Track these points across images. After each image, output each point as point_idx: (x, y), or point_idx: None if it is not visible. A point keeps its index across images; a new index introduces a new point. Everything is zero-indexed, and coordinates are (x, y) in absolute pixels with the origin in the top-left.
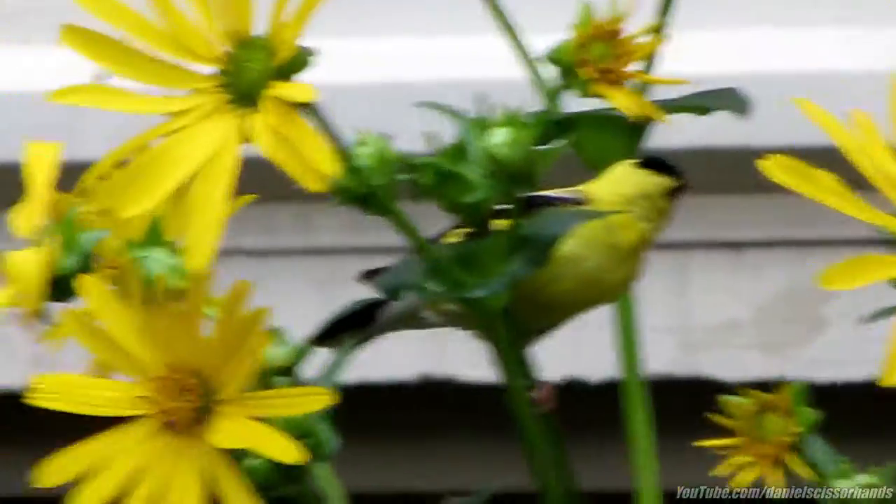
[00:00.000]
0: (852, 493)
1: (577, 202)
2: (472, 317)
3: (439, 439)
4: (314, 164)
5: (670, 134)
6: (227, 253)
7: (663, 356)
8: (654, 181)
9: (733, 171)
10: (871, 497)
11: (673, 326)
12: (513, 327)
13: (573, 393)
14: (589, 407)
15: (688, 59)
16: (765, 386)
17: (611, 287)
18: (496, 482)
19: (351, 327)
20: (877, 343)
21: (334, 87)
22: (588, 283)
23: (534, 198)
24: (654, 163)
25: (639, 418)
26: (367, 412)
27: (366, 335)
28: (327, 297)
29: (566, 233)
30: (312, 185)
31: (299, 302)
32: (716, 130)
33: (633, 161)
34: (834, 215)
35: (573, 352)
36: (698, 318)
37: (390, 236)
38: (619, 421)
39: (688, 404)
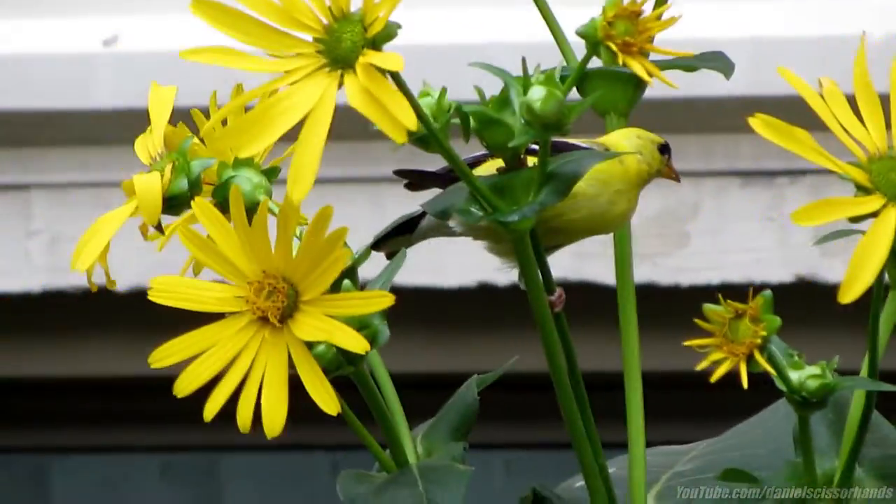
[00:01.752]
0: (800, 380)
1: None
2: (494, 231)
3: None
4: (398, 119)
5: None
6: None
7: (561, 264)
8: (650, 136)
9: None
10: (818, 384)
11: None
12: (535, 245)
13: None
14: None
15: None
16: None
17: (615, 217)
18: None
19: (399, 235)
20: (729, 254)
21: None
22: (598, 213)
23: (562, 143)
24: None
25: (630, 314)
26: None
27: (409, 241)
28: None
29: (586, 170)
30: (397, 136)
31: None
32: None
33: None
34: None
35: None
36: None
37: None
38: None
39: (578, 302)
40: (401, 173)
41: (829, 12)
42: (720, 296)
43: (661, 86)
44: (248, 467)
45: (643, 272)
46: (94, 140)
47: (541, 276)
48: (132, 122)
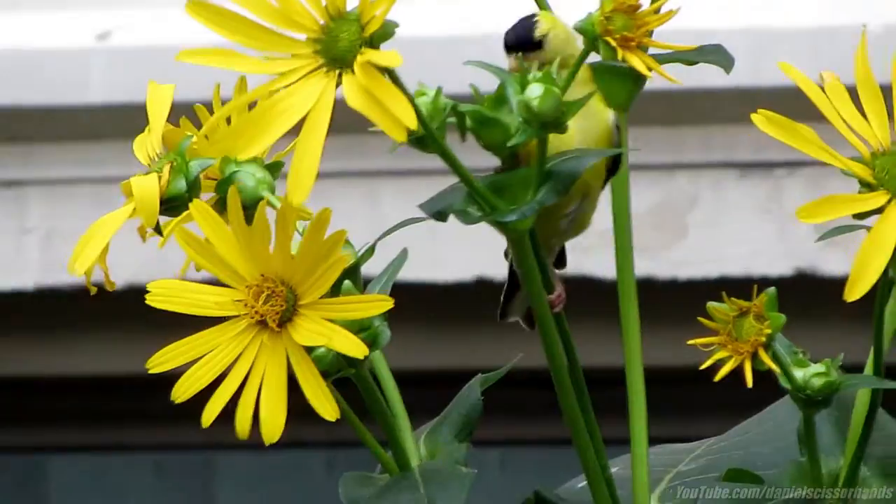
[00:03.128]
0: (805, 378)
1: None
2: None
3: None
4: (398, 118)
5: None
6: None
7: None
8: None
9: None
10: (822, 382)
11: None
12: (534, 243)
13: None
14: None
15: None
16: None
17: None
18: (519, 355)
19: (512, 293)
20: (728, 247)
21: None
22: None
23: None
24: None
25: (630, 308)
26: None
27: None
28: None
29: (584, 168)
30: (396, 135)
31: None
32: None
33: None
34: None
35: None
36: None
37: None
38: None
39: (578, 296)
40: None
41: (827, 2)
42: (724, 293)
43: (660, 78)
44: (242, 465)
45: (641, 265)
46: (89, 135)
47: (540, 275)
48: (127, 117)
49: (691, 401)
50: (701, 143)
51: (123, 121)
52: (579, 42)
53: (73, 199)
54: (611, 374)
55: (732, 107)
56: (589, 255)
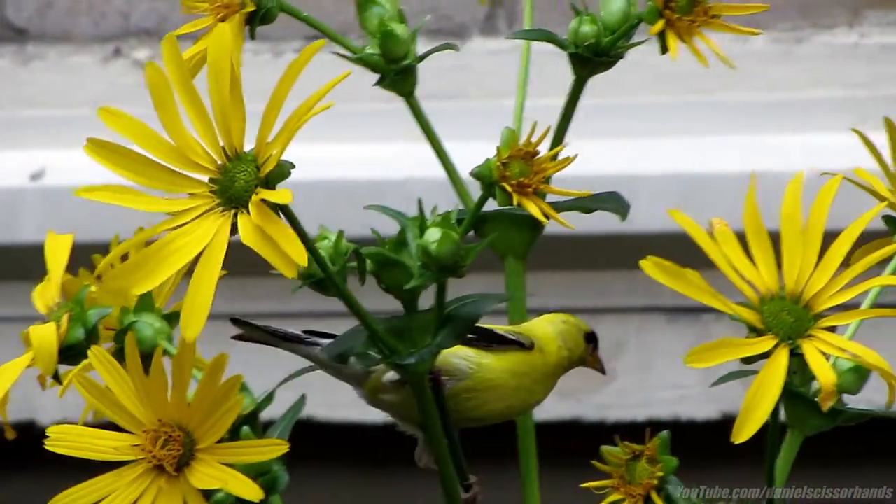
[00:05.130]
0: None
1: (522, 343)
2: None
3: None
4: (289, 256)
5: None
6: None
7: None
8: (577, 323)
9: (545, 254)
10: None
11: None
12: (450, 435)
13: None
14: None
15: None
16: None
17: (532, 405)
18: None
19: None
20: (655, 391)
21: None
22: (517, 404)
23: (485, 331)
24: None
25: (530, 455)
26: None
27: (277, 344)
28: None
29: (482, 313)
30: (287, 272)
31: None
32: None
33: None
34: (621, 289)
35: None
36: None
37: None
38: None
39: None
40: (236, 322)
41: (751, 148)
42: (617, 437)
43: (588, 221)
44: None
45: (568, 408)
46: (20, 275)
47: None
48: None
49: None
50: (627, 287)
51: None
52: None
53: (4, 337)
54: None
55: (658, 251)
56: None
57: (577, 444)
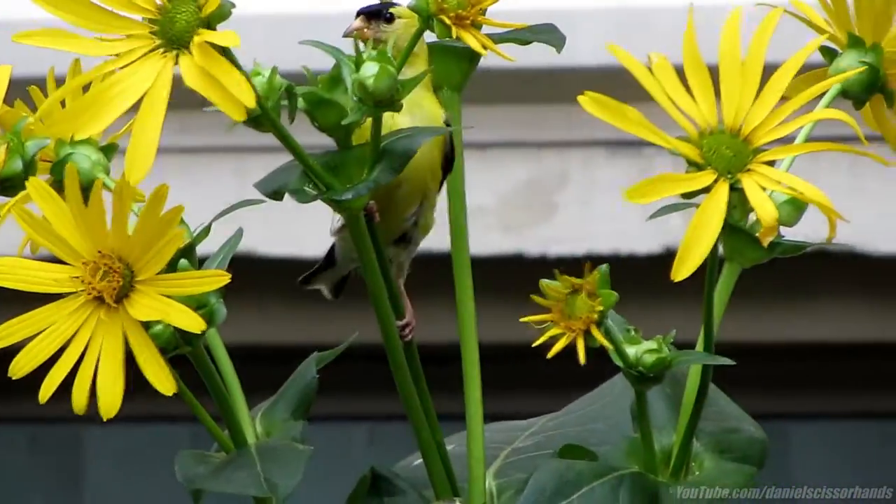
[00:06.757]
0: (637, 355)
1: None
2: None
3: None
4: (237, 97)
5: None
6: None
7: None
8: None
9: (487, 87)
10: (654, 359)
11: None
12: (382, 262)
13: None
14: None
15: None
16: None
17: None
18: (353, 336)
19: (323, 270)
20: (597, 224)
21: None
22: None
23: None
24: None
25: (465, 285)
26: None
27: (335, 273)
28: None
29: (417, 146)
30: (234, 114)
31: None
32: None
33: None
34: (561, 122)
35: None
36: None
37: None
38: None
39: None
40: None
41: None
42: (556, 271)
43: (529, 55)
44: (110, 439)
45: (510, 243)
46: None
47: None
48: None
49: (527, 377)
50: (565, 121)
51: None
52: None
53: None
54: (449, 350)
55: (597, 85)
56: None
57: (519, 278)
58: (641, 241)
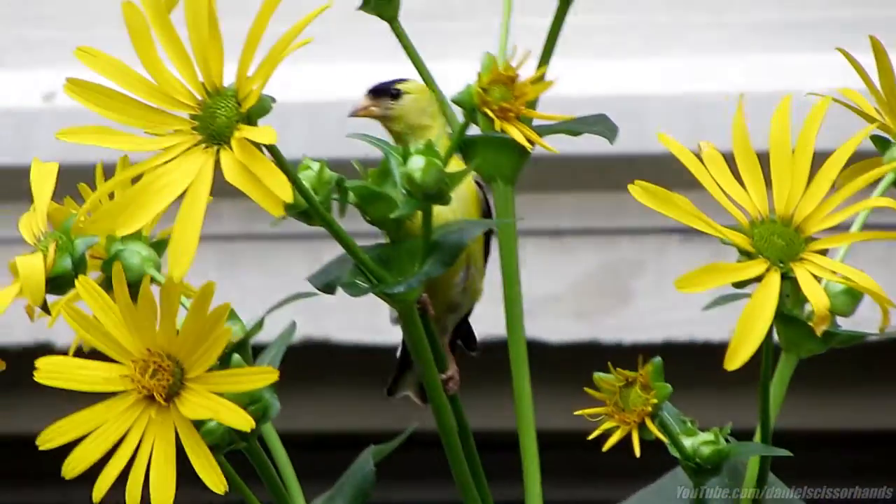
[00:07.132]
0: (694, 447)
1: None
2: None
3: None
4: (274, 192)
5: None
6: None
7: (500, 322)
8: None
9: (560, 174)
10: (711, 451)
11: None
12: (426, 322)
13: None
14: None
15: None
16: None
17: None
18: (412, 427)
19: (403, 372)
20: (671, 312)
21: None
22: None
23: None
24: None
25: (522, 372)
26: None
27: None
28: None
29: (468, 240)
30: (273, 210)
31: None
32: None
33: None
34: (636, 209)
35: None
36: (526, 291)
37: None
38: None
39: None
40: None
41: (701, 70)
42: (609, 364)
43: (602, 142)
44: None
45: (584, 330)
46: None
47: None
48: (72, 178)
49: (589, 465)
50: (642, 207)
51: (67, 181)
52: (459, 116)
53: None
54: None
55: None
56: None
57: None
58: (716, 328)
